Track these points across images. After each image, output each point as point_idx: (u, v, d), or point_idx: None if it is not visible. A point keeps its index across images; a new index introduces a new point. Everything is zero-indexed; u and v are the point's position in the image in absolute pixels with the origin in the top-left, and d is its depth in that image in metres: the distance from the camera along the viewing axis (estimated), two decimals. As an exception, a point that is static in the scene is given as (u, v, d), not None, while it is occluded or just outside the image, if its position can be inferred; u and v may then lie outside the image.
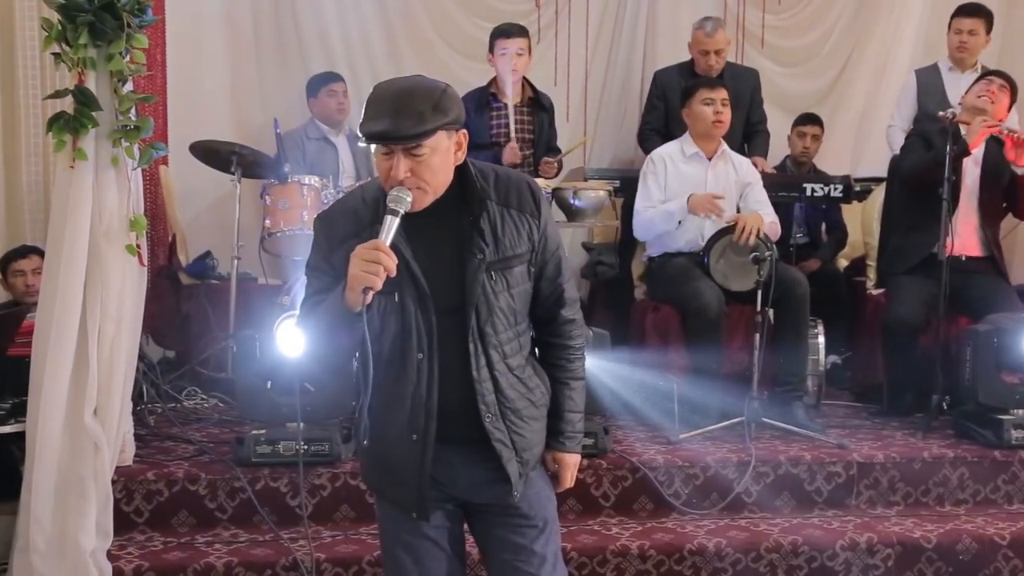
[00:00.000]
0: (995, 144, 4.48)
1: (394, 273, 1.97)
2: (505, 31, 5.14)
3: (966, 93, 4.60)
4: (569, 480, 2.35)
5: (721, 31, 5.35)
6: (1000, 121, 4.46)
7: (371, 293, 1.96)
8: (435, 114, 1.99)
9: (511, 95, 5.15)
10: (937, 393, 4.23)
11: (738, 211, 4.46)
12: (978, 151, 4.48)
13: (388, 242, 1.98)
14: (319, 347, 2.12)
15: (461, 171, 2.11)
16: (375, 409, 2.14)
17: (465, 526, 2.31)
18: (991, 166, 4.52)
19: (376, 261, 1.94)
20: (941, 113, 4.44)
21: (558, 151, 5.32)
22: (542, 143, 5.27)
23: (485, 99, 5.18)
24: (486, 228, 2.10)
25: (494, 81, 5.20)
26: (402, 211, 2.00)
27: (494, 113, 5.17)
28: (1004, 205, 4.70)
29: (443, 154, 2.04)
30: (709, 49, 5.29)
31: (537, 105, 5.30)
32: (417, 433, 2.11)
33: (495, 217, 2.11)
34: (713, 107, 4.48)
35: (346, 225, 2.12)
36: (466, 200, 2.11)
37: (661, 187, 4.55)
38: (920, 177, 4.49)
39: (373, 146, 2.04)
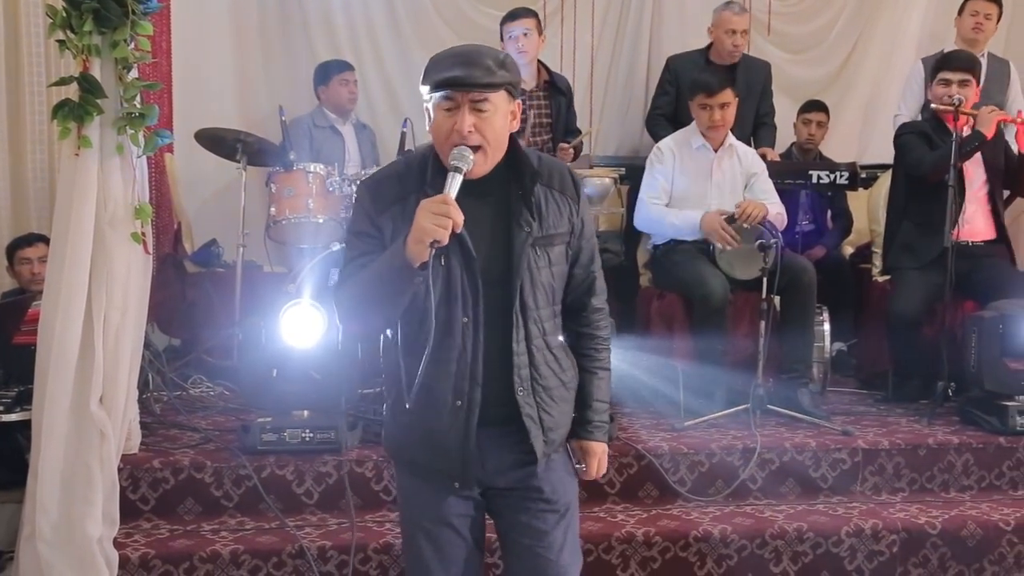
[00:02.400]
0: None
1: (460, 227, 1.99)
2: (510, 14, 5.14)
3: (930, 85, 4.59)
4: (595, 469, 2.34)
5: (746, 14, 5.39)
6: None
7: (436, 247, 1.97)
8: (501, 71, 2.06)
9: (526, 79, 5.12)
10: (942, 380, 4.23)
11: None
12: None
13: (453, 197, 2.00)
14: (366, 307, 2.10)
15: (510, 147, 2.15)
16: (418, 375, 2.11)
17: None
18: (988, 151, 4.52)
19: (445, 214, 1.96)
20: (948, 99, 4.43)
21: (579, 132, 5.31)
22: (560, 127, 5.25)
23: None
24: (533, 203, 2.14)
25: None
26: (465, 168, 2.03)
27: None
28: (1005, 191, 4.72)
29: (503, 117, 2.09)
30: (737, 28, 5.33)
31: (554, 88, 5.28)
32: (462, 399, 2.12)
33: (539, 195, 2.16)
34: (709, 113, 4.45)
35: (392, 189, 2.14)
36: (515, 175, 2.15)
37: (667, 179, 4.53)
38: (943, 173, 4.42)
39: (433, 106, 2.08)
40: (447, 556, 2.23)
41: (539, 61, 5.21)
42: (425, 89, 2.10)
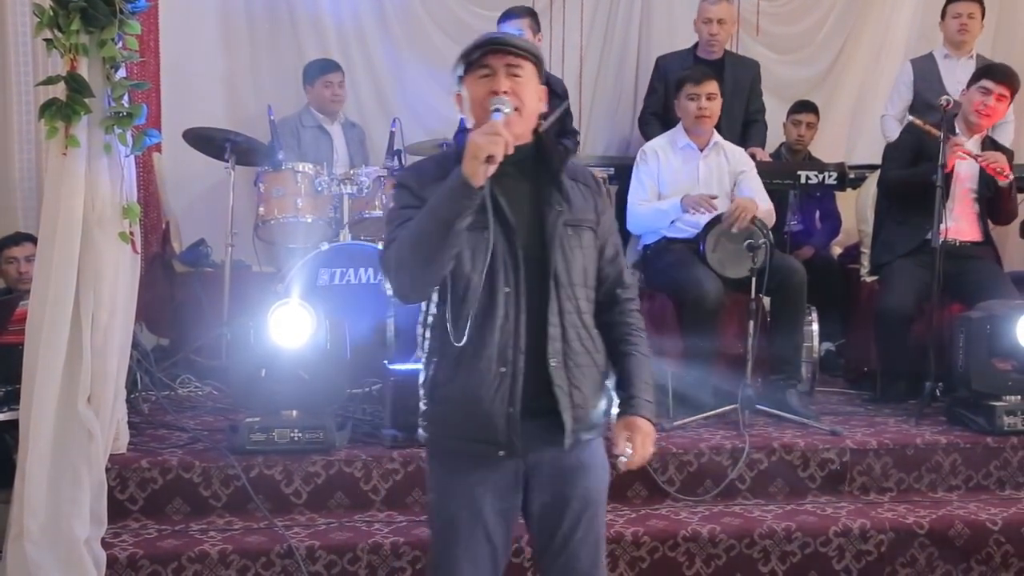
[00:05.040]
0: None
1: (512, 150, 2.06)
2: (507, 13, 5.13)
3: (967, 88, 4.58)
4: (640, 445, 2.24)
5: (725, 3, 5.37)
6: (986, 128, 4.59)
7: (493, 165, 2.03)
8: (533, 48, 2.25)
9: None
10: (930, 380, 4.24)
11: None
12: (974, 141, 4.55)
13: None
14: (421, 246, 2.10)
15: (537, 136, 2.27)
16: (462, 347, 2.15)
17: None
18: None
19: (497, 132, 2.04)
20: (940, 101, 4.46)
21: (576, 133, 5.30)
22: (554, 129, 5.24)
23: None
24: (562, 186, 2.24)
25: None
26: (506, 110, 2.11)
27: None
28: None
29: (535, 89, 2.23)
30: (712, 17, 5.32)
31: (549, 91, 5.26)
32: (506, 366, 2.16)
33: (565, 183, 2.25)
34: (697, 102, 4.46)
35: (433, 169, 2.23)
36: (543, 159, 2.26)
37: (654, 180, 4.55)
38: (902, 190, 4.62)
39: (467, 83, 2.20)
40: (476, 555, 2.23)
41: None
42: (459, 73, 2.23)
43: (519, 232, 2.17)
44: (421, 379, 2.27)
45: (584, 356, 2.23)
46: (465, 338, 2.14)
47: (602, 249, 2.30)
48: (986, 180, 4.55)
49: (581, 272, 2.23)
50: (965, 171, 4.55)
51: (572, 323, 2.20)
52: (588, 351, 2.24)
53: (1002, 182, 4.44)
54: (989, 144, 4.61)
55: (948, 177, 4.36)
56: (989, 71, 4.57)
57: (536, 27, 5.17)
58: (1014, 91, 4.54)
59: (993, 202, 4.61)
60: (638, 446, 2.24)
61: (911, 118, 4.68)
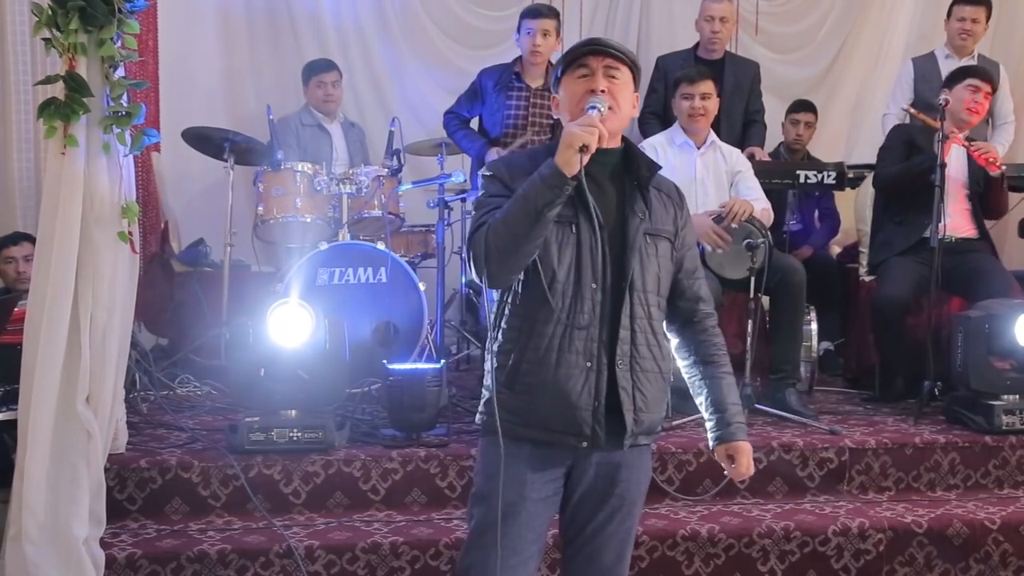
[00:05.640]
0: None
1: (605, 142, 2.14)
2: (533, 10, 5.11)
3: (947, 90, 4.59)
4: (746, 466, 2.38)
5: (727, 2, 5.40)
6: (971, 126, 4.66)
7: (587, 155, 2.09)
8: (632, 54, 2.32)
9: (535, 77, 5.07)
10: (929, 379, 4.25)
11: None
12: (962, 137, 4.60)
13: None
14: (513, 231, 2.14)
15: (626, 143, 2.33)
16: (548, 339, 2.20)
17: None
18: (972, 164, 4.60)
19: (592, 124, 2.10)
20: (938, 99, 4.46)
21: None
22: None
23: (508, 78, 5.08)
24: (647, 194, 2.30)
25: (519, 60, 5.12)
26: (601, 108, 2.17)
27: (513, 94, 5.07)
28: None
29: (629, 94, 2.29)
30: (715, 15, 5.33)
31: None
32: (591, 361, 2.21)
33: (649, 192, 2.31)
34: (691, 101, 4.47)
35: (523, 165, 2.28)
36: (630, 167, 2.31)
37: None
38: (895, 187, 4.66)
39: (567, 83, 2.28)
40: (517, 543, 2.26)
41: (548, 61, 5.19)
42: (556, 75, 2.33)
43: (606, 231, 2.23)
44: (492, 365, 2.29)
45: (650, 362, 2.28)
46: (554, 331, 2.20)
47: (680, 262, 2.36)
48: (976, 176, 4.59)
49: (655, 280, 2.29)
50: (956, 169, 4.58)
51: (642, 328, 2.26)
52: (655, 357, 2.29)
53: (993, 172, 4.48)
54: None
55: (942, 174, 4.38)
56: (972, 71, 4.68)
57: (559, 31, 5.15)
58: (995, 89, 4.76)
59: (985, 196, 4.64)
60: (742, 466, 2.37)
61: (904, 106, 4.84)
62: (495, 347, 2.29)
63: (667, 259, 2.32)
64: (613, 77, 2.26)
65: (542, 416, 2.24)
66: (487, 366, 2.33)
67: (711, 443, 2.41)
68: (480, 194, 2.34)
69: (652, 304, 2.28)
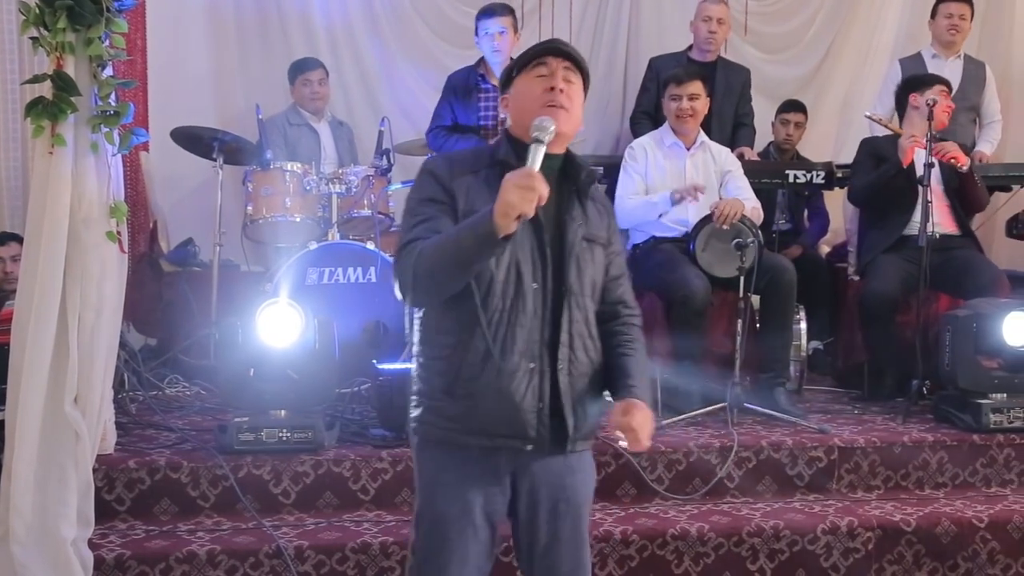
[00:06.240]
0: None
1: (545, 201, 2.06)
2: (486, 11, 5.07)
3: (923, 90, 4.61)
4: (640, 425, 2.17)
5: (723, 4, 5.41)
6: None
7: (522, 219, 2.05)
8: (586, 65, 2.32)
9: (501, 78, 5.07)
10: (917, 378, 4.26)
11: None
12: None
13: (537, 170, 2.06)
14: (443, 274, 2.13)
15: (567, 149, 2.31)
16: (489, 341, 2.16)
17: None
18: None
19: (531, 187, 2.02)
20: (927, 100, 4.48)
21: None
22: None
23: (473, 80, 5.07)
24: (585, 201, 2.30)
25: (483, 62, 5.12)
26: (546, 139, 2.11)
27: (482, 95, 5.06)
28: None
29: (580, 102, 2.29)
30: (712, 16, 5.38)
31: None
32: (534, 362, 2.20)
33: (585, 199, 2.31)
34: (679, 102, 4.49)
35: (464, 162, 2.28)
36: (568, 173, 2.30)
37: (642, 176, 4.56)
38: (869, 199, 4.72)
39: (522, 81, 2.27)
40: (464, 554, 2.23)
41: (511, 57, 5.19)
42: (516, 72, 2.30)
43: (546, 232, 2.22)
44: (420, 374, 2.25)
45: (587, 366, 2.27)
46: (495, 333, 2.17)
47: (608, 267, 2.35)
48: (949, 173, 4.61)
49: (591, 284, 2.29)
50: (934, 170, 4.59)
51: (579, 332, 2.25)
52: (591, 360, 2.28)
53: (961, 167, 4.50)
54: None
55: (911, 173, 4.43)
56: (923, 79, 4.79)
57: (516, 26, 5.14)
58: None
59: (960, 192, 4.66)
60: (637, 425, 2.18)
61: (867, 113, 4.93)
62: (432, 353, 2.25)
63: (600, 264, 2.32)
64: (570, 80, 2.25)
65: (485, 420, 2.20)
66: (415, 375, 2.29)
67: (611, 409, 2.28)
68: (413, 192, 2.27)
69: (588, 309, 2.28)
